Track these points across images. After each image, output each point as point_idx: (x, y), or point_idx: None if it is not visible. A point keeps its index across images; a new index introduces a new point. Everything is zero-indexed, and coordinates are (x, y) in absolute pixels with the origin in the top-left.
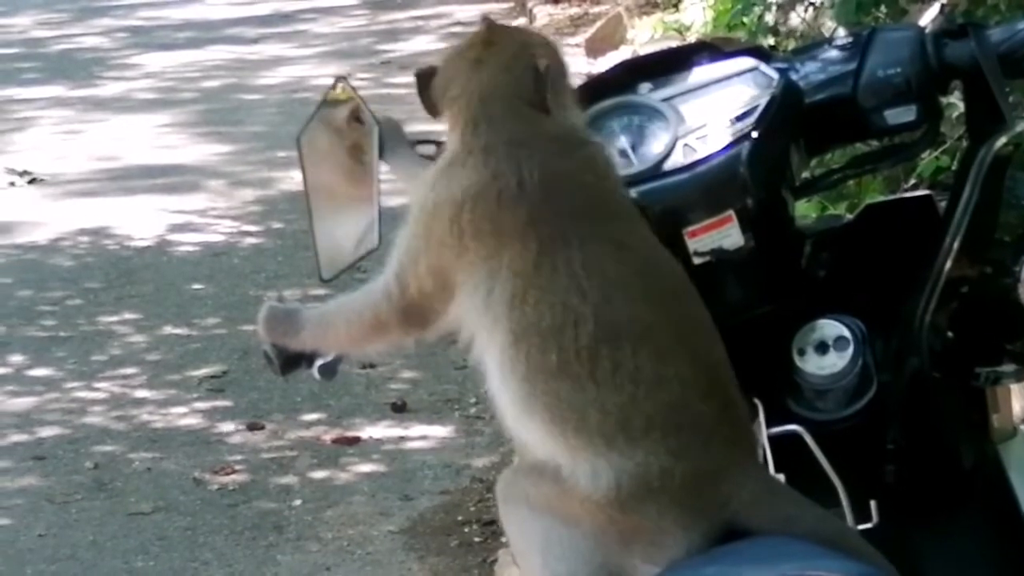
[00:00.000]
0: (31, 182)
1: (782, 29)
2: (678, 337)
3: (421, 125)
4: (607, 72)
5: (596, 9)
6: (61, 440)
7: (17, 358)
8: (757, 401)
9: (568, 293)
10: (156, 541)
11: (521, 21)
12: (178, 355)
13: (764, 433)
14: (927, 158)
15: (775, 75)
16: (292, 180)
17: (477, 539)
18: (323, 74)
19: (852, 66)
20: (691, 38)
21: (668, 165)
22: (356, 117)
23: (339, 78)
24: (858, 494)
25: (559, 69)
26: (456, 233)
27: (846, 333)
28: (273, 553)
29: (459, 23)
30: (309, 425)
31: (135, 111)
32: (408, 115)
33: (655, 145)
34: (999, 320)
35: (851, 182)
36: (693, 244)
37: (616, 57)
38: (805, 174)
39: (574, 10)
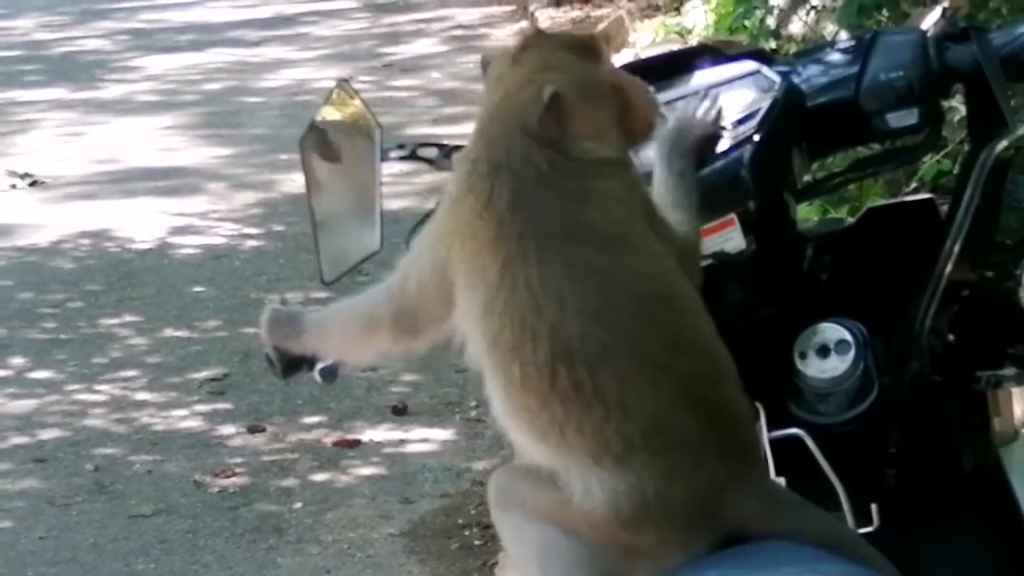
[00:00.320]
0: (32, 184)
1: (784, 33)
2: (644, 358)
3: (422, 128)
4: None
5: (598, 12)
6: (62, 442)
7: (18, 360)
8: (758, 404)
9: (526, 310)
10: (157, 544)
11: (523, 24)
12: (179, 358)
13: (765, 436)
14: (929, 162)
15: (777, 79)
16: (293, 183)
17: (478, 542)
18: (324, 77)
19: (854, 70)
20: (693, 41)
21: None
22: (358, 120)
23: (341, 81)
24: (859, 498)
25: (584, 90)
26: (447, 239)
27: (847, 336)
28: (273, 556)
29: (460, 26)
30: (310, 428)
31: (136, 114)
32: (409, 118)
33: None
34: (1000, 324)
35: (853, 185)
36: None
37: (618, 60)
38: (807, 177)
39: (576, 13)
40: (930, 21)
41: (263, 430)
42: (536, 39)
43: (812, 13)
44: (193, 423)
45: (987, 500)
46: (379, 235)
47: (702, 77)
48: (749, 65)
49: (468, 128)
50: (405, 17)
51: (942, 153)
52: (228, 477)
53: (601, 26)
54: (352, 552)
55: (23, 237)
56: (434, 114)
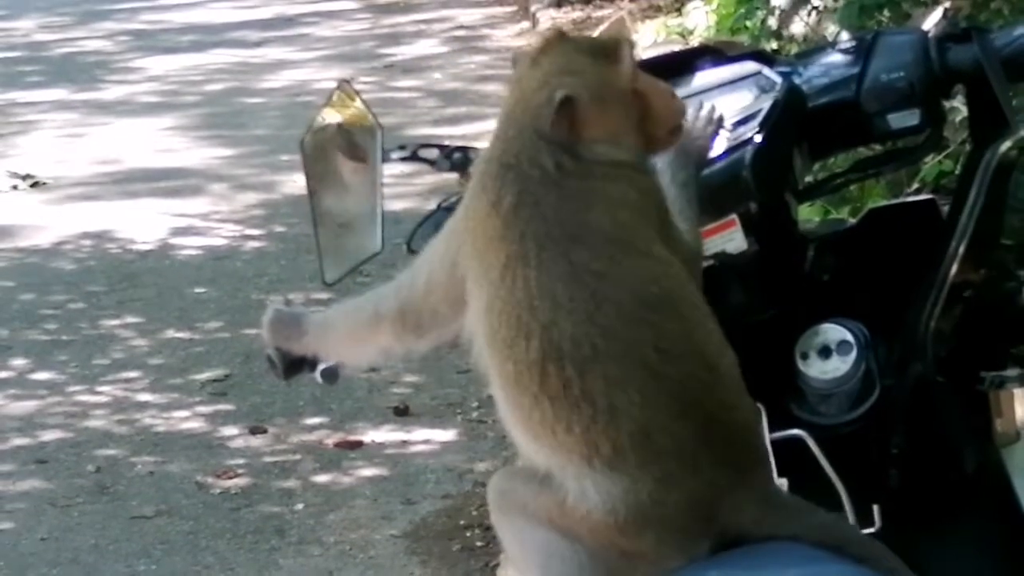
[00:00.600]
0: (33, 186)
1: (785, 33)
2: (634, 362)
3: (423, 129)
4: None
5: (599, 13)
6: (63, 444)
7: (19, 362)
8: (760, 405)
9: (522, 308)
10: (158, 545)
11: (524, 25)
12: (180, 359)
13: (767, 437)
14: (930, 162)
15: (778, 79)
16: (295, 184)
17: (479, 543)
18: (326, 78)
19: (855, 70)
20: (694, 42)
21: None
22: (359, 121)
23: (342, 82)
24: (861, 498)
25: (599, 94)
26: (461, 230)
27: (849, 337)
28: (275, 557)
29: (462, 27)
30: (311, 429)
31: (138, 115)
32: (411, 119)
33: None
34: (1003, 324)
35: (854, 186)
36: None
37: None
38: (808, 178)
39: (577, 14)
40: (931, 22)
41: (265, 431)
42: (556, 41)
43: (813, 14)
44: (195, 424)
45: (989, 501)
46: (380, 236)
47: (703, 78)
48: (750, 66)
49: (470, 129)
50: (406, 18)
51: (944, 154)
52: (230, 478)
53: (603, 27)
54: (354, 553)
55: (24, 238)
56: (435, 115)
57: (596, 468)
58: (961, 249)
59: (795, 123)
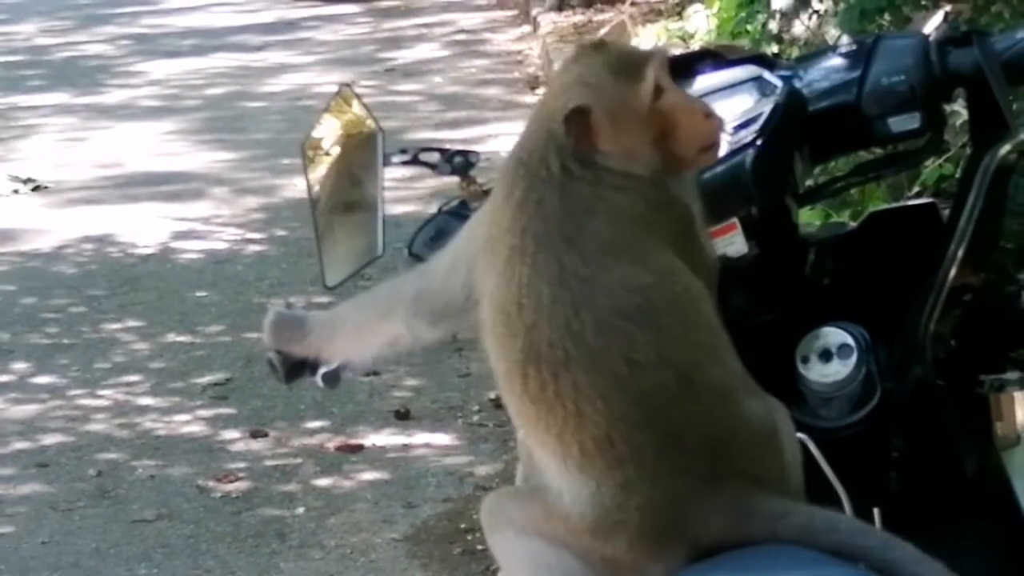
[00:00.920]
0: (35, 189)
1: (786, 37)
2: (601, 372)
3: (424, 133)
4: None
5: (600, 17)
6: (64, 447)
7: (20, 365)
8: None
9: (512, 305)
10: (159, 548)
11: (525, 29)
12: (181, 363)
13: (790, 444)
14: (931, 166)
15: (779, 83)
16: (296, 187)
17: (480, 547)
18: (327, 82)
19: (856, 74)
20: (695, 46)
21: None
22: (360, 125)
23: (343, 85)
24: (862, 501)
25: (613, 110)
26: (479, 222)
27: (850, 341)
28: (276, 561)
29: (463, 31)
30: (312, 433)
31: (139, 118)
32: (412, 123)
33: None
34: (1003, 328)
35: (855, 190)
36: None
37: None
38: (809, 182)
39: (578, 18)
40: (932, 25)
41: (266, 435)
42: (591, 51)
43: (814, 17)
44: (196, 428)
45: (989, 504)
46: (381, 240)
47: (704, 82)
48: (751, 70)
49: (470, 133)
50: (407, 22)
51: (944, 157)
52: (231, 482)
53: (603, 31)
54: (355, 557)
55: (25, 242)
56: (436, 119)
57: (569, 469)
58: (960, 252)
59: (796, 127)
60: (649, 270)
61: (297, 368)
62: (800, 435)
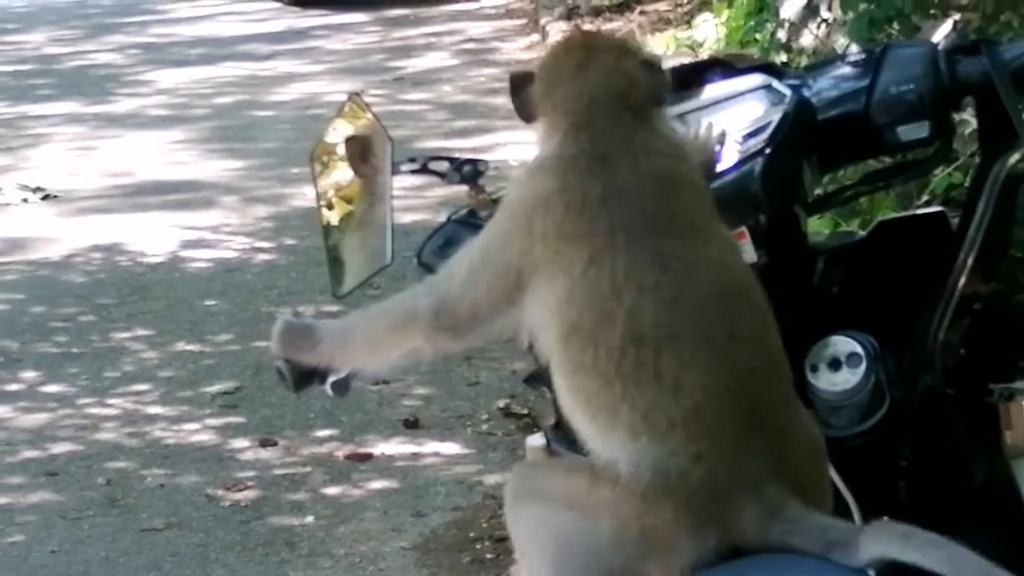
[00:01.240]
0: (44, 198)
1: (794, 46)
2: (707, 345)
3: (433, 141)
4: None
5: (609, 26)
6: (74, 456)
7: (30, 374)
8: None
9: (607, 298)
10: (168, 557)
11: (534, 38)
12: (191, 371)
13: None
14: (940, 175)
15: (788, 92)
16: (305, 196)
17: (489, 556)
18: (336, 90)
19: (865, 83)
20: (703, 55)
21: None
22: (369, 133)
23: (352, 94)
24: (871, 510)
25: (660, 72)
26: (526, 232)
27: (859, 350)
28: (285, 569)
29: (471, 40)
30: (322, 441)
31: (148, 127)
32: (421, 131)
33: None
34: (1012, 337)
35: (864, 199)
36: None
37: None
38: (818, 191)
39: (586, 27)
40: (941, 34)
41: (275, 444)
42: (594, 32)
43: (823, 26)
44: (205, 437)
45: (999, 513)
46: (390, 248)
47: (713, 91)
48: (760, 78)
49: (479, 141)
50: (416, 31)
51: (953, 166)
52: (240, 491)
53: None
54: (364, 566)
55: (35, 251)
56: (445, 127)
57: (641, 441)
58: (970, 261)
59: (805, 136)
60: (725, 245)
61: (306, 377)
62: None
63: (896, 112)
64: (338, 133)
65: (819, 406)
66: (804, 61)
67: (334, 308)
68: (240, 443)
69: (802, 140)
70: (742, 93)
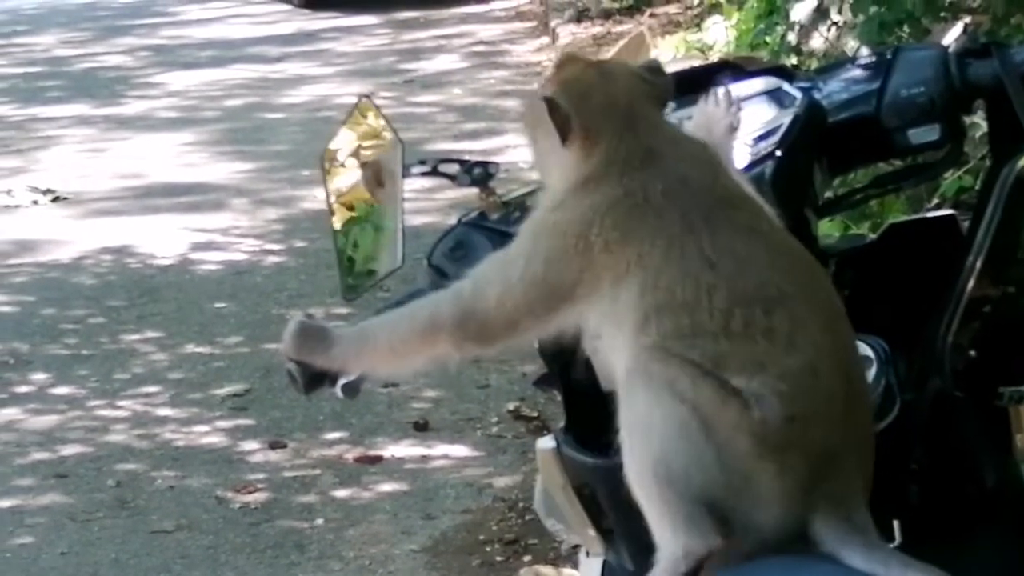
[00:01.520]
0: (54, 200)
1: (805, 49)
2: (811, 306)
3: (445, 144)
4: None
5: (619, 28)
6: (83, 458)
7: (40, 376)
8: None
9: (700, 270)
10: (178, 559)
11: (544, 40)
12: (200, 373)
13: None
14: (950, 177)
15: (798, 94)
16: (315, 199)
17: (499, 558)
18: (346, 93)
19: (875, 85)
20: (714, 57)
21: None
22: (379, 136)
23: (362, 96)
24: (881, 514)
25: (664, 75)
26: (583, 249)
27: (869, 353)
28: (295, 572)
29: (482, 42)
30: (331, 444)
31: (158, 130)
32: (432, 133)
33: None
34: (1022, 339)
35: (874, 201)
36: None
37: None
38: (828, 193)
39: (597, 29)
40: (951, 37)
41: (285, 446)
42: (580, 56)
43: (833, 29)
44: (215, 439)
45: (1009, 516)
46: (401, 251)
47: None
48: (770, 81)
49: (490, 144)
50: (426, 33)
51: (963, 169)
52: (250, 493)
53: (622, 42)
54: (374, 568)
55: (45, 253)
56: (455, 130)
57: (758, 378)
58: (979, 264)
59: (815, 138)
60: (779, 224)
61: (317, 379)
62: None
63: (907, 115)
64: (348, 135)
65: None
66: (814, 64)
67: (344, 310)
68: (250, 445)
69: (812, 143)
70: (752, 96)
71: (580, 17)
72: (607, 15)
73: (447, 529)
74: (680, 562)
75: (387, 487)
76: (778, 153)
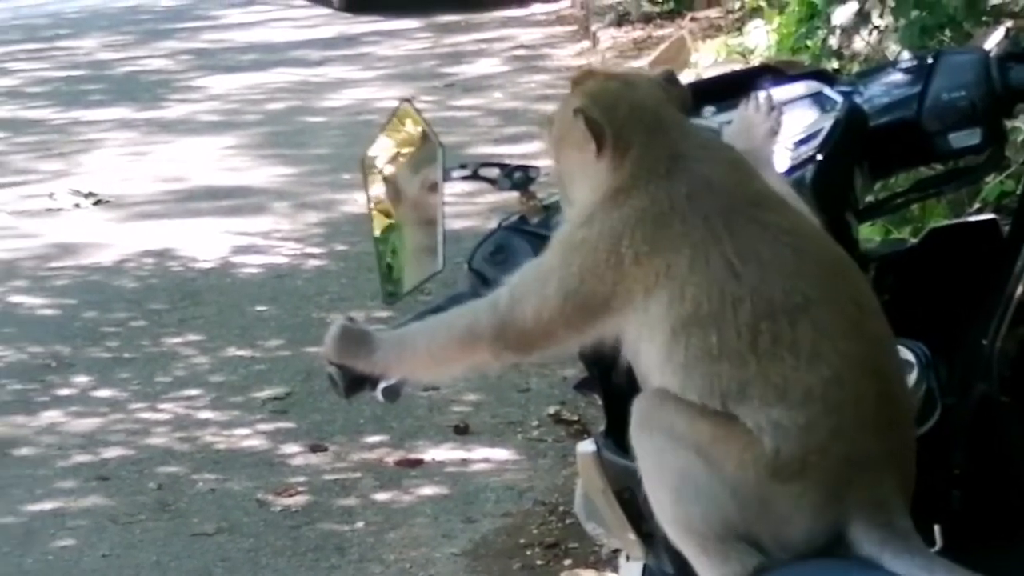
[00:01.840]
0: (96, 203)
1: (846, 52)
2: (837, 311)
3: (484, 148)
4: None
5: (659, 32)
6: (125, 461)
7: (81, 379)
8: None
9: (724, 280)
10: (219, 562)
11: (584, 44)
12: (241, 377)
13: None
14: (992, 182)
15: (839, 98)
16: (356, 202)
17: (539, 562)
18: (387, 96)
19: (916, 89)
20: (754, 61)
21: None
22: (420, 139)
23: (403, 100)
24: (923, 518)
25: (680, 84)
26: (615, 263)
27: (910, 357)
28: (335, 575)
29: (523, 46)
30: (372, 447)
31: (200, 133)
32: (472, 137)
33: None
34: None
35: (915, 206)
36: None
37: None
38: (869, 197)
39: (637, 33)
40: (993, 41)
41: (325, 449)
42: (599, 70)
43: (874, 33)
44: (256, 442)
45: None
46: (441, 255)
47: None
48: (811, 85)
49: (530, 148)
50: (467, 37)
51: (1005, 173)
52: (290, 496)
53: (663, 46)
54: (414, 571)
55: (87, 256)
56: (496, 134)
57: (777, 408)
58: None
59: (856, 142)
60: (813, 219)
61: (357, 382)
62: None
63: (948, 119)
64: (389, 139)
65: None
66: (855, 68)
67: (385, 314)
68: (290, 448)
69: (853, 147)
70: (793, 100)
71: (621, 21)
72: (648, 19)
73: (487, 533)
74: None
75: (427, 490)
76: (819, 157)
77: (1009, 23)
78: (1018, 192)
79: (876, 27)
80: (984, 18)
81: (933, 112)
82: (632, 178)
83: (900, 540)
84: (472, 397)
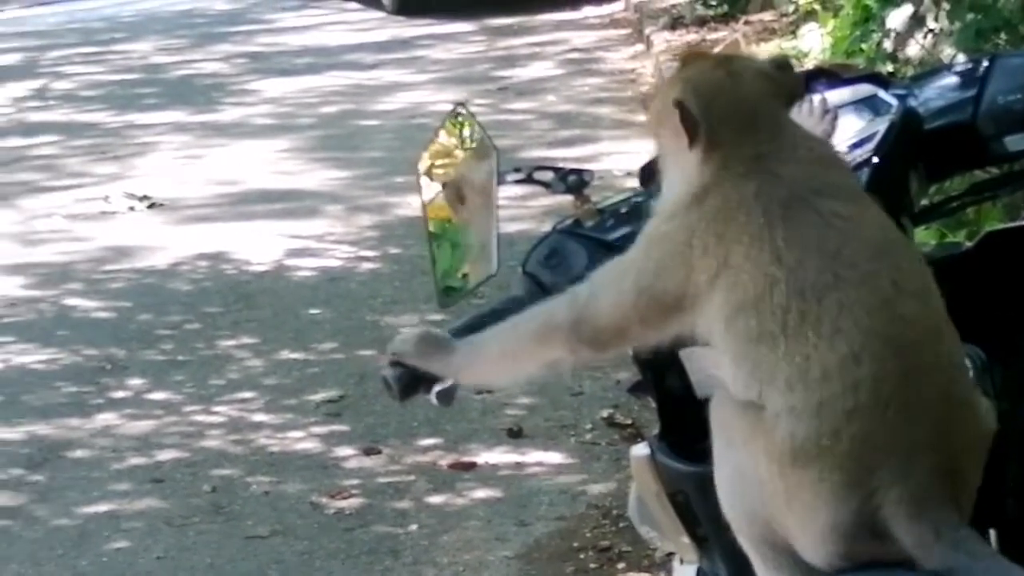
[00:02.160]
0: (151, 207)
1: (901, 56)
2: (872, 289)
3: (538, 151)
4: None
5: (713, 36)
6: (179, 463)
7: (136, 382)
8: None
9: (769, 264)
10: (273, 564)
11: (638, 47)
12: (295, 379)
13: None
14: None
15: (894, 101)
16: (409, 206)
17: (593, 566)
18: (440, 100)
19: (971, 92)
20: (809, 65)
21: None
22: (474, 143)
23: (457, 104)
24: (977, 525)
25: (792, 72)
26: (686, 259)
27: (966, 361)
28: None
29: (576, 49)
30: (425, 450)
31: (254, 136)
32: (525, 140)
33: None
34: None
35: (970, 209)
36: None
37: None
38: (924, 201)
39: (691, 36)
40: None
41: (379, 452)
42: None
43: (930, 36)
44: (309, 445)
45: None
46: (496, 258)
47: None
48: (866, 88)
49: (584, 151)
50: (521, 40)
51: None
52: (344, 499)
53: (717, 49)
54: (467, 574)
55: (141, 259)
56: (549, 137)
57: (797, 390)
58: None
59: (911, 146)
60: (885, 215)
61: (412, 386)
62: None
63: (1003, 122)
64: (443, 143)
65: None
66: (910, 71)
67: (438, 317)
68: (344, 451)
69: (909, 150)
70: (848, 103)
71: (675, 24)
72: (702, 22)
73: (541, 536)
74: None
75: (481, 493)
76: (874, 160)
77: None
78: None
79: (931, 30)
80: None
81: (988, 115)
82: (715, 177)
83: (947, 539)
84: (525, 400)
